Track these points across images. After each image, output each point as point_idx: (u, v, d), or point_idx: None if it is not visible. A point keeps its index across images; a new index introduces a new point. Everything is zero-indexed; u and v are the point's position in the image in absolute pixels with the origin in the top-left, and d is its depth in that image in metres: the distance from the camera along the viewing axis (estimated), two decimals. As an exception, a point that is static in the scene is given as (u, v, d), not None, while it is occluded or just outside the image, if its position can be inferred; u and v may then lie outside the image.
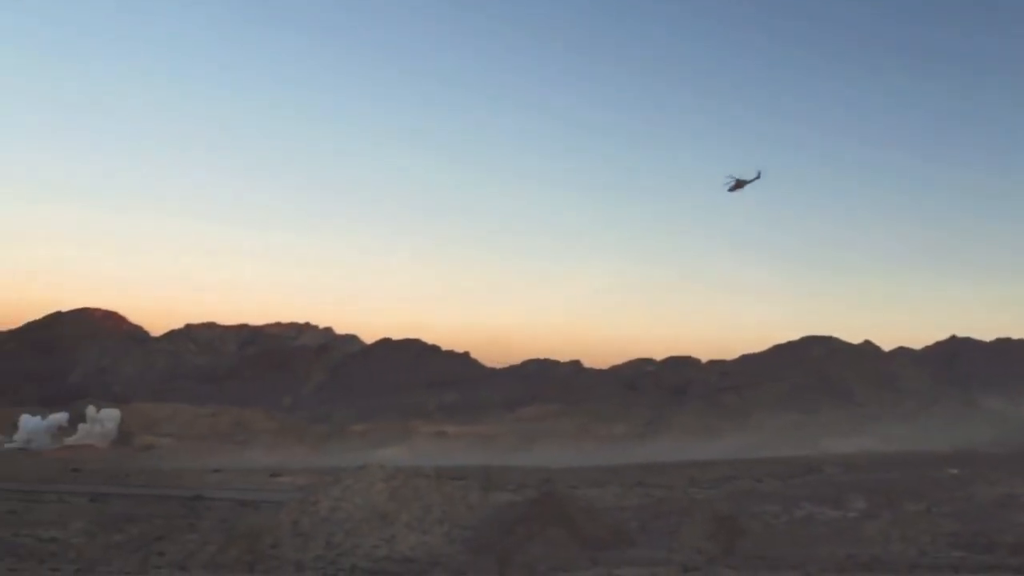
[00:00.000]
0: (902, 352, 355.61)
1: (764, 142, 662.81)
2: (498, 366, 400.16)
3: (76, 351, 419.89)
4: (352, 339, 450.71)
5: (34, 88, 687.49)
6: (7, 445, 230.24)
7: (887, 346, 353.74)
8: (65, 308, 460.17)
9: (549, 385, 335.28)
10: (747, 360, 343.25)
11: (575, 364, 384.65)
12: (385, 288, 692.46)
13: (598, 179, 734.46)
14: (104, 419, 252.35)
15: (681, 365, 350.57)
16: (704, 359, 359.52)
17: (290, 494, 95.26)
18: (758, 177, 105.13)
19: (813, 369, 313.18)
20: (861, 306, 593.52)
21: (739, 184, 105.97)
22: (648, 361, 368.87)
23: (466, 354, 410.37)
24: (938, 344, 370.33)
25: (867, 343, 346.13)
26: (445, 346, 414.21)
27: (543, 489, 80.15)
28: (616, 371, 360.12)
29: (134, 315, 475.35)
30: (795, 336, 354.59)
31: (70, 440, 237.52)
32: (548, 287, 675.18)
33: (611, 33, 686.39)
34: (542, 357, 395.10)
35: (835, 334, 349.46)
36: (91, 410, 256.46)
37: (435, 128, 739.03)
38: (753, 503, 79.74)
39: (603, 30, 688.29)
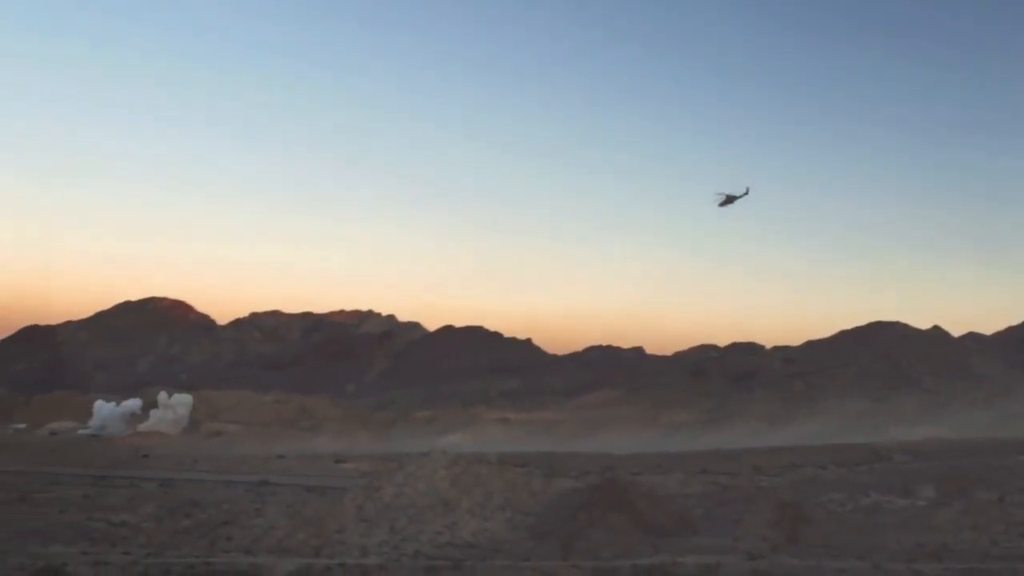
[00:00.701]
0: (973, 338, 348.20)
1: (830, 127, 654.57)
2: (560, 353, 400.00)
3: (145, 340, 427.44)
4: (415, 326, 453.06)
5: (113, 79, 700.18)
6: (80, 431, 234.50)
7: (957, 332, 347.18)
8: (134, 298, 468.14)
9: (612, 371, 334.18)
10: (813, 346, 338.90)
11: (638, 350, 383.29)
12: (447, 275, 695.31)
13: (663, 165, 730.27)
14: (176, 405, 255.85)
15: (746, 351, 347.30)
16: (769, 345, 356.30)
17: (354, 480, 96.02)
18: (747, 193, 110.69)
19: (880, 355, 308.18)
20: (930, 291, 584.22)
21: (729, 199, 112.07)
22: (712, 347, 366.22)
23: (528, 341, 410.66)
24: (1010, 329, 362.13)
25: (936, 329, 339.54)
26: (507, 333, 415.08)
27: (606, 476, 79.87)
28: (680, 357, 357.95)
29: (201, 304, 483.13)
30: (862, 322, 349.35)
31: (142, 427, 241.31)
32: (611, 273, 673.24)
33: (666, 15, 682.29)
34: (605, 343, 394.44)
35: (903, 320, 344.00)
36: (163, 396, 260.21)
37: (495, 119, 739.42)
38: (818, 491, 78.73)
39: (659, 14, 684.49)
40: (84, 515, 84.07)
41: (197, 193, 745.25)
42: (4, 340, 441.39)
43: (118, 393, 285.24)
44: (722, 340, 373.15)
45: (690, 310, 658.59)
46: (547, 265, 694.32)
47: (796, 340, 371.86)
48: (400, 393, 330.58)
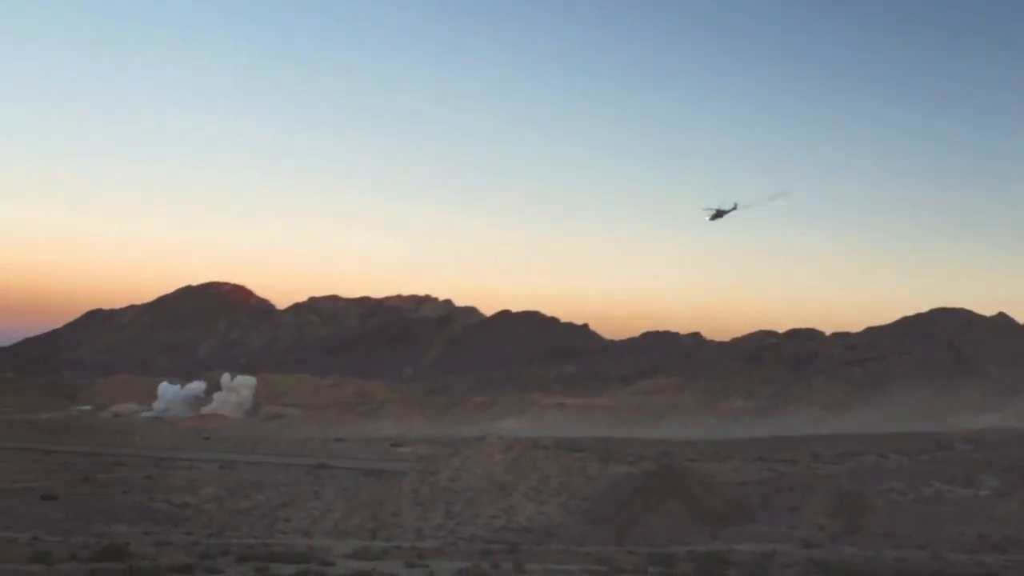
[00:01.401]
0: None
1: (895, 108, 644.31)
2: (617, 338, 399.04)
3: (205, 324, 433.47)
4: (472, 311, 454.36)
5: (181, 64, 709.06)
6: (144, 414, 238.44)
7: (1023, 319, 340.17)
8: (195, 283, 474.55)
9: (669, 357, 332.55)
10: (873, 333, 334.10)
11: (695, 336, 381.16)
12: (504, 260, 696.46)
13: (719, 149, 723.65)
14: (239, 387, 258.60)
15: (804, 338, 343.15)
16: (828, 331, 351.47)
17: (411, 464, 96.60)
18: (735, 208, 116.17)
19: (943, 342, 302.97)
20: (995, 278, 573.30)
21: (719, 214, 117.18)
22: (770, 333, 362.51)
23: (585, 326, 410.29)
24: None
25: (1001, 316, 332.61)
26: (564, 318, 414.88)
27: (662, 462, 79.58)
28: (737, 344, 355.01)
29: (260, 289, 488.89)
30: (924, 308, 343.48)
31: (206, 409, 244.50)
32: (668, 258, 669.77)
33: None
34: (662, 329, 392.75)
35: (967, 306, 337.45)
36: (226, 378, 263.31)
37: (552, 104, 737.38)
38: (878, 480, 77.65)
39: None
40: (146, 496, 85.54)
41: (256, 179, 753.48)
42: (68, 324, 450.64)
43: (179, 376, 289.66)
44: (781, 326, 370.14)
45: (748, 296, 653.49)
46: (604, 250, 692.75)
47: (856, 326, 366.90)
48: (456, 378, 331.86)
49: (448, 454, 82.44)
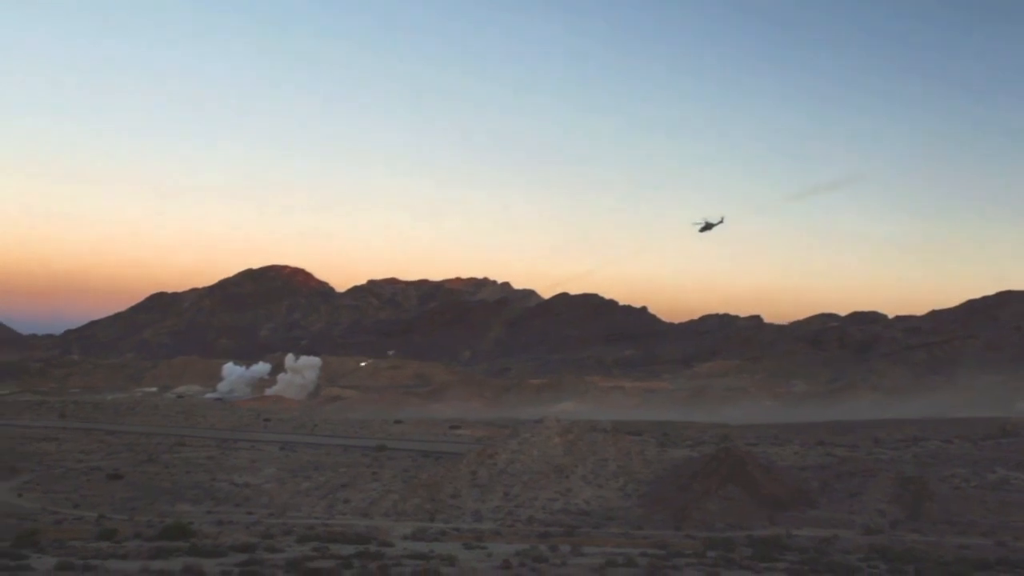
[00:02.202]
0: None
1: (960, 94, 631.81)
2: (676, 321, 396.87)
3: (266, 307, 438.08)
4: (530, 294, 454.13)
5: (243, 55, 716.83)
6: (207, 395, 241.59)
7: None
8: (256, 266, 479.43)
9: (728, 341, 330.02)
10: (937, 316, 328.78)
11: (755, 319, 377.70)
12: (563, 242, 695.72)
13: (781, 134, 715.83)
14: (303, 369, 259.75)
15: (867, 321, 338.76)
16: (891, 315, 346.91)
17: (469, 446, 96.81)
18: (721, 221, 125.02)
19: (1010, 326, 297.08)
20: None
21: (708, 226, 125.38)
22: (832, 316, 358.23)
23: (644, 309, 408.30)
24: None
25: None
26: (622, 300, 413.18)
27: (721, 446, 78.88)
28: (798, 327, 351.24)
29: (320, 272, 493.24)
30: (990, 291, 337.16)
31: (270, 391, 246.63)
32: (728, 241, 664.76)
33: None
34: (721, 312, 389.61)
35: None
36: (290, 359, 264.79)
37: (613, 88, 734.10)
38: (941, 466, 76.35)
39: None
40: (209, 476, 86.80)
41: (317, 163, 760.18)
42: (133, 307, 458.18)
43: (240, 358, 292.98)
44: (842, 309, 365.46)
45: (810, 279, 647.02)
46: (664, 233, 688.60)
47: (920, 309, 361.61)
48: (515, 360, 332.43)
49: (506, 436, 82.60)
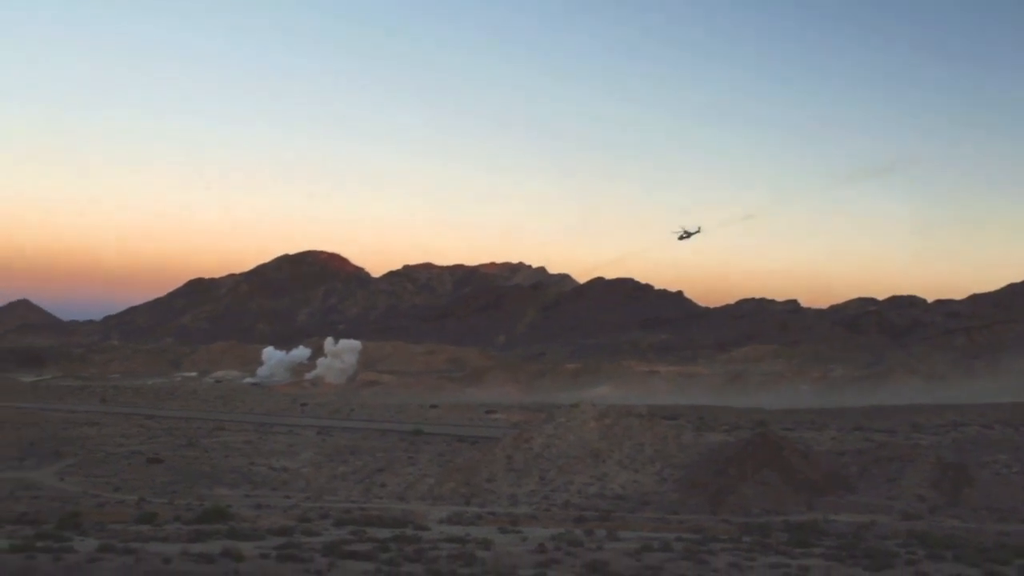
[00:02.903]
0: None
1: (998, 80, 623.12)
2: (712, 305, 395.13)
3: (303, 292, 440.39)
4: (565, 278, 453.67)
5: (285, 42, 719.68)
6: (246, 380, 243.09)
7: None
8: (292, 252, 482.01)
9: (764, 325, 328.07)
10: (978, 300, 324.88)
11: (792, 304, 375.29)
12: (598, 227, 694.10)
13: (822, 120, 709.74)
14: (343, 352, 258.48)
15: (905, 305, 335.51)
16: (930, 299, 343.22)
17: (504, 430, 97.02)
18: (699, 231, 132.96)
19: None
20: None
21: (686, 235, 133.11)
22: (870, 301, 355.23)
23: (679, 293, 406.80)
24: None
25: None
26: (658, 285, 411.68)
27: (757, 430, 78.50)
28: (836, 311, 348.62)
29: (356, 257, 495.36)
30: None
31: (309, 375, 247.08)
32: (763, 226, 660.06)
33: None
34: (757, 297, 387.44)
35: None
36: (329, 342, 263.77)
37: (646, 77, 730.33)
38: (982, 451, 75.52)
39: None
40: (247, 460, 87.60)
41: (352, 149, 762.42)
42: (171, 293, 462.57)
43: (277, 343, 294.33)
44: (881, 293, 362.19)
45: (847, 263, 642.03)
46: (698, 218, 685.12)
47: (960, 293, 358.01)
48: (550, 344, 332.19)
49: (541, 421, 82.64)
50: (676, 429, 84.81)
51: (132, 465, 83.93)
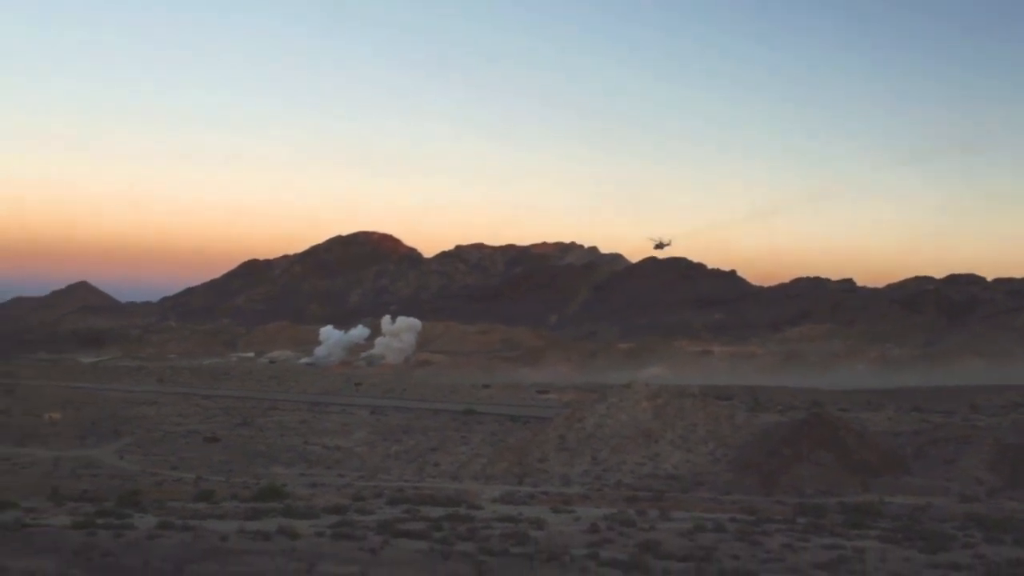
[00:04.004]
0: None
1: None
2: (766, 284, 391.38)
3: (355, 273, 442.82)
4: (617, 257, 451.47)
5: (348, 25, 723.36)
6: (302, 360, 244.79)
7: None
8: (344, 232, 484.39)
9: (819, 304, 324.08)
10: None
11: (847, 282, 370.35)
12: (651, 207, 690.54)
13: (877, 94, 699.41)
14: (401, 330, 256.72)
15: (964, 283, 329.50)
16: (990, 277, 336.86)
17: (556, 410, 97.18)
18: (670, 243, 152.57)
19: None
20: None
21: (660, 245, 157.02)
22: (928, 279, 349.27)
23: (732, 272, 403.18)
24: None
25: None
26: (711, 264, 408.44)
27: (812, 411, 77.84)
28: (892, 290, 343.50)
29: (408, 238, 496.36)
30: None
31: (365, 355, 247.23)
32: (817, 203, 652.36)
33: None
34: (812, 275, 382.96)
35: None
36: (386, 321, 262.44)
37: (698, 52, 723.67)
38: (1042, 432, 74.28)
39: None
40: (301, 439, 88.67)
41: (403, 130, 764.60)
42: (226, 275, 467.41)
43: (330, 323, 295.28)
44: (939, 271, 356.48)
45: (904, 241, 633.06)
46: (752, 197, 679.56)
47: (1021, 271, 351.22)
48: (602, 324, 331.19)
49: (594, 401, 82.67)
50: (729, 409, 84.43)
51: (189, 444, 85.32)
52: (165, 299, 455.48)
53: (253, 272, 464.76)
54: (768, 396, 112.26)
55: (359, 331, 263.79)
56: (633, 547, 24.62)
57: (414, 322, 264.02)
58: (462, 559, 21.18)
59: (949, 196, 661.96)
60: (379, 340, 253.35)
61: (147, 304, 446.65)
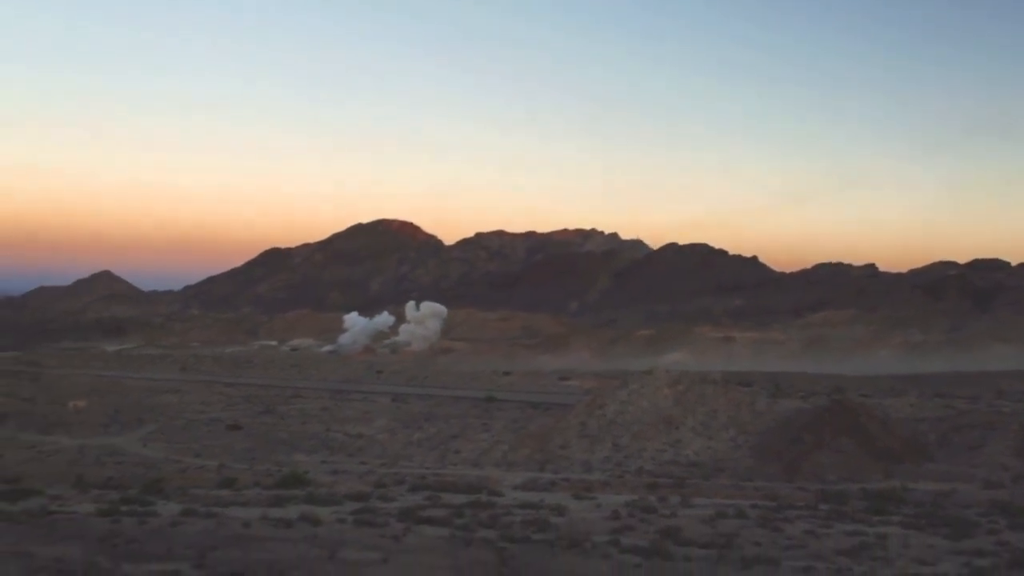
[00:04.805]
0: None
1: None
2: (787, 270, 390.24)
3: (376, 261, 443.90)
4: (638, 244, 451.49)
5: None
6: (325, 348, 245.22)
7: None
8: (365, 220, 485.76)
9: (841, 290, 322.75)
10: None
11: (870, 267, 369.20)
12: (671, 192, 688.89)
13: (904, 79, 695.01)
14: (426, 316, 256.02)
15: (988, 268, 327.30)
16: (1015, 262, 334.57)
17: (577, 397, 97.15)
18: None
19: None
20: None
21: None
22: (951, 264, 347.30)
23: (754, 258, 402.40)
24: None
25: None
26: (732, 250, 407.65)
27: (834, 397, 77.53)
28: (915, 275, 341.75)
29: (428, 225, 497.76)
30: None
31: (388, 342, 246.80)
32: (840, 188, 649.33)
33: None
34: (834, 261, 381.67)
35: None
36: (411, 307, 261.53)
37: (719, 39, 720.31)
38: (1069, 419, 73.69)
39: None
40: (323, 427, 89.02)
41: (423, 118, 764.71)
42: (248, 263, 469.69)
43: (351, 311, 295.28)
44: (962, 256, 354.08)
45: (927, 225, 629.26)
46: (774, 182, 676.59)
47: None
48: (622, 311, 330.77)
49: (615, 387, 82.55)
50: (751, 395, 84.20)
51: (212, 431, 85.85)
52: (187, 288, 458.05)
53: (274, 260, 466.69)
54: (790, 382, 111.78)
55: (384, 318, 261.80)
56: (654, 534, 24.62)
57: (439, 308, 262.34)
58: (484, 546, 21.23)
59: (973, 180, 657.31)
60: (404, 327, 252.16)
61: (169, 293, 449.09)
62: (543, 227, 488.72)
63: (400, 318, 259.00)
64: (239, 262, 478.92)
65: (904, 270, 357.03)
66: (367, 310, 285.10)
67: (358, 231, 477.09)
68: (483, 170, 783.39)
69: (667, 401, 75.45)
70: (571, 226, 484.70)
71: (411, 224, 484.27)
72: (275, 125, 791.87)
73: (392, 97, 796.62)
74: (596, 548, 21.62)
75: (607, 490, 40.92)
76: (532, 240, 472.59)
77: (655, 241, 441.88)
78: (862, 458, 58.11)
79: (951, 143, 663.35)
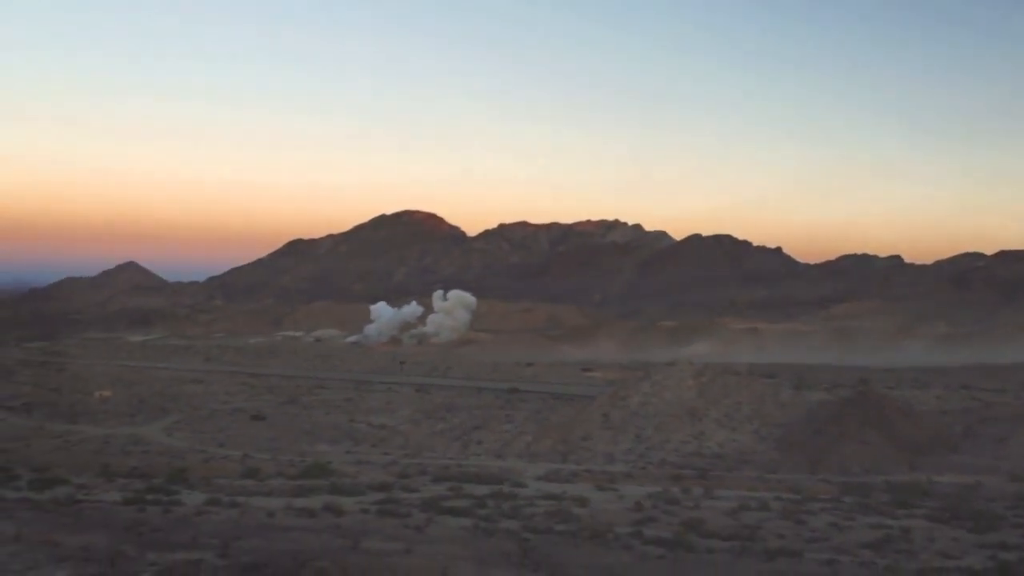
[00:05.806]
0: None
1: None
2: (812, 261, 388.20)
3: (399, 252, 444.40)
4: (661, 235, 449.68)
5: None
6: (349, 339, 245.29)
7: None
8: (389, 212, 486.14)
9: (866, 281, 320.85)
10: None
11: (895, 259, 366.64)
12: (695, 184, 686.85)
13: (936, 70, 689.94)
14: (454, 306, 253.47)
15: (1015, 259, 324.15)
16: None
17: (600, 388, 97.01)
18: None
19: None
20: None
21: None
22: (977, 256, 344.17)
23: (778, 249, 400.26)
24: None
25: None
26: (756, 241, 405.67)
27: (858, 389, 77.11)
28: (941, 266, 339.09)
29: (452, 216, 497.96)
30: None
31: (414, 332, 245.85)
32: (866, 179, 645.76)
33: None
34: (859, 252, 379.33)
35: None
36: (438, 296, 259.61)
37: (748, 31, 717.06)
38: (1095, 411, 73.04)
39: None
40: (347, 417, 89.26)
41: (447, 109, 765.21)
42: (272, 254, 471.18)
43: (374, 302, 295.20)
44: (989, 248, 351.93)
45: (953, 216, 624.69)
46: (797, 173, 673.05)
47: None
48: (646, 302, 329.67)
49: (638, 379, 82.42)
50: (775, 387, 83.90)
51: (236, 422, 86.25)
52: (212, 279, 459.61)
53: (298, 251, 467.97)
54: (814, 374, 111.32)
55: (412, 308, 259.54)
56: (677, 525, 24.62)
57: (468, 297, 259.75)
58: (506, 536, 21.27)
59: (1000, 171, 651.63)
60: (431, 317, 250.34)
61: (194, 284, 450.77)
62: (566, 218, 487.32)
63: (427, 308, 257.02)
64: (263, 253, 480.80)
65: (930, 261, 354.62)
66: (391, 301, 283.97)
67: (382, 222, 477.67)
68: (507, 161, 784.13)
69: (691, 393, 75.28)
70: (594, 217, 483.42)
71: (435, 215, 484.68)
72: (301, 117, 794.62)
73: (417, 89, 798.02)
74: (618, 539, 21.63)
75: (630, 481, 40.89)
76: (555, 231, 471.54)
77: (679, 232, 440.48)
78: (887, 450, 57.81)
79: (978, 133, 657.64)
